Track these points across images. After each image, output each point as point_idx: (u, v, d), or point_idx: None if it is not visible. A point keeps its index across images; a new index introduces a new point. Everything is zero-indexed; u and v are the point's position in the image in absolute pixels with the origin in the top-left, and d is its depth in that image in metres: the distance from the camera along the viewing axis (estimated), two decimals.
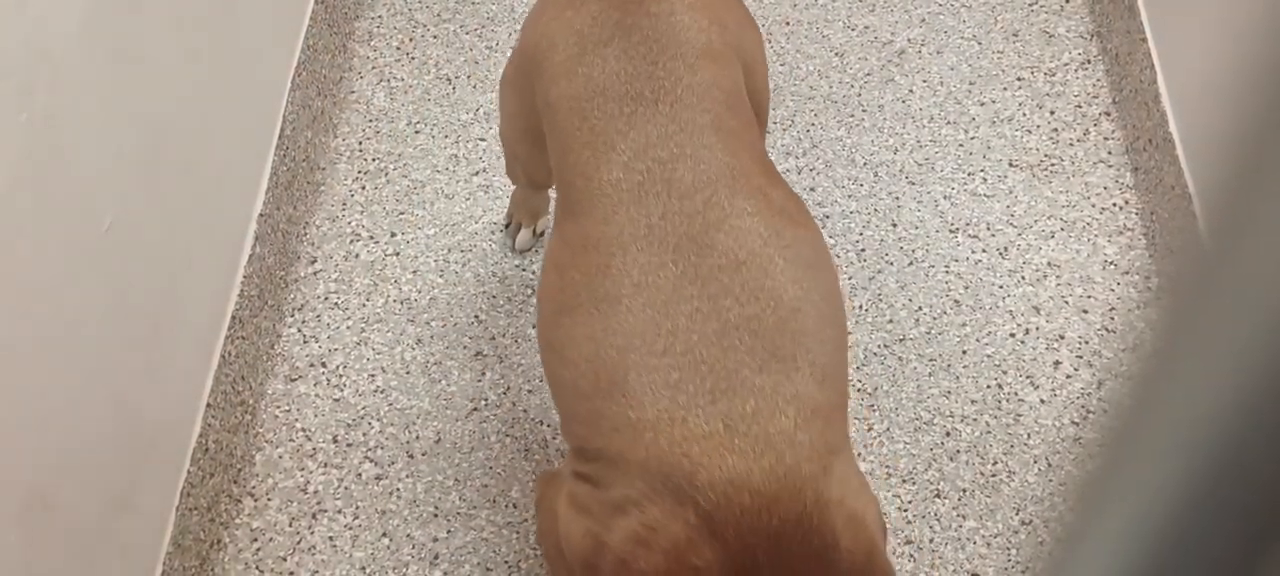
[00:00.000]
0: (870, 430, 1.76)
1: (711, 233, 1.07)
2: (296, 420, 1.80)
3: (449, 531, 1.69)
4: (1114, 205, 2.01)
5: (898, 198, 2.03)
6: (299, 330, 1.90)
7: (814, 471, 1.00)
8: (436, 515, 1.70)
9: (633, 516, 1.01)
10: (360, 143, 2.13)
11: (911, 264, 1.94)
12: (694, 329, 1.03)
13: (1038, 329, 1.86)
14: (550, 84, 1.21)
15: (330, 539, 1.69)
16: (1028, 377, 1.81)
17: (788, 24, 2.30)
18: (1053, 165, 2.07)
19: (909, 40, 2.26)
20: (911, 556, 1.65)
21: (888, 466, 1.73)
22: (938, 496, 1.70)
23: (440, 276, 1.95)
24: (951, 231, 1.98)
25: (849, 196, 2.03)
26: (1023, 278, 1.92)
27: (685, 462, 0.99)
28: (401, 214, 2.03)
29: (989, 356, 1.83)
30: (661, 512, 0.99)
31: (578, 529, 1.07)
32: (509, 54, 2.26)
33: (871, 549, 1.03)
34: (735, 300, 1.04)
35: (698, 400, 1.01)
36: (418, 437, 1.78)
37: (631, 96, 1.15)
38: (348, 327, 1.90)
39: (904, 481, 1.71)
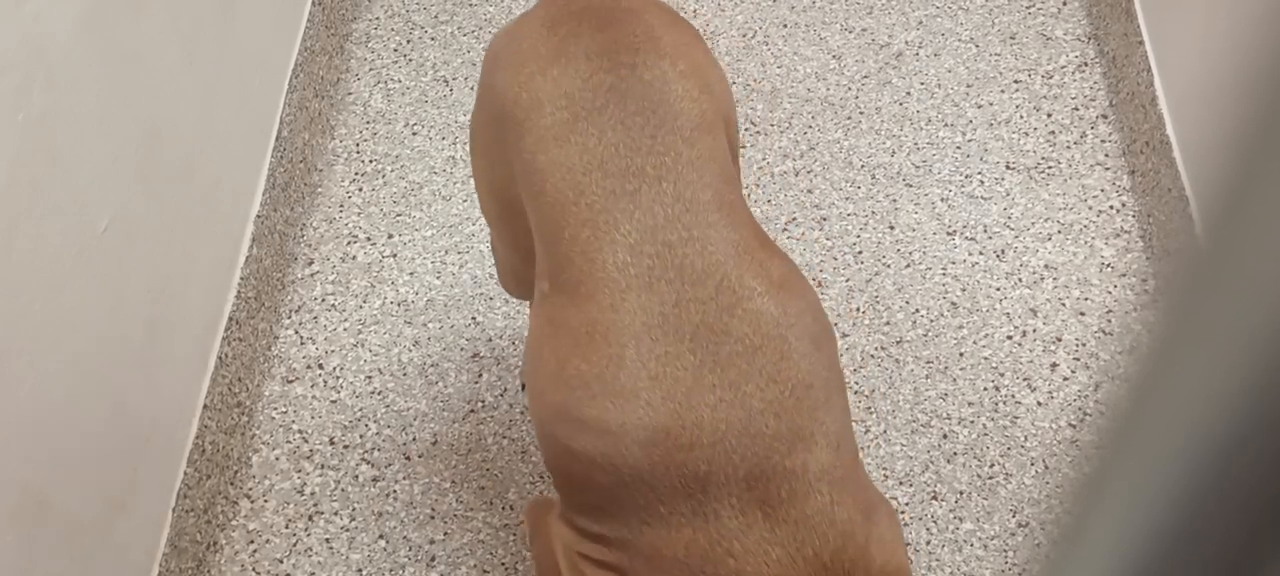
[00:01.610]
0: (867, 432, 1.76)
1: (726, 318, 1.06)
2: (293, 422, 1.80)
3: (446, 533, 1.69)
4: (1111, 207, 2.01)
5: (895, 200, 2.03)
6: (296, 332, 1.90)
7: (857, 547, 1.02)
8: (433, 517, 1.70)
9: None
10: (357, 144, 2.13)
11: (909, 266, 1.94)
12: (720, 418, 1.02)
13: (1035, 331, 1.86)
14: (536, 148, 1.15)
15: (327, 540, 1.69)
16: (1025, 380, 1.81)
17: (785, 26, 2.30)
18: (1050, 167, 2.07)
19: (906, 43, 2.26)
20: (909, 558, 1.65)
21: (885, 468, 1.73)
22: (935, 498, 1.70)
23: (437, 278, 1.95)
24: (949, 234, 1.98)
25: (846, 199, 2.03)
26: (1020, 280, 1.92)
27: (729, 561, 1.00)
28: (399, 216, 2.03)
29: (986, 358, 1.83)
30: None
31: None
32: None
33: None
34: (757, 385, 1.04)
35: (731, 491, 1.01)
36: (415, 439, 1.78)
37: (633, 172, 1.12)
38: (345, 329, 1.90)
39: (901, 483, 1.71)
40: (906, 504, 1.70)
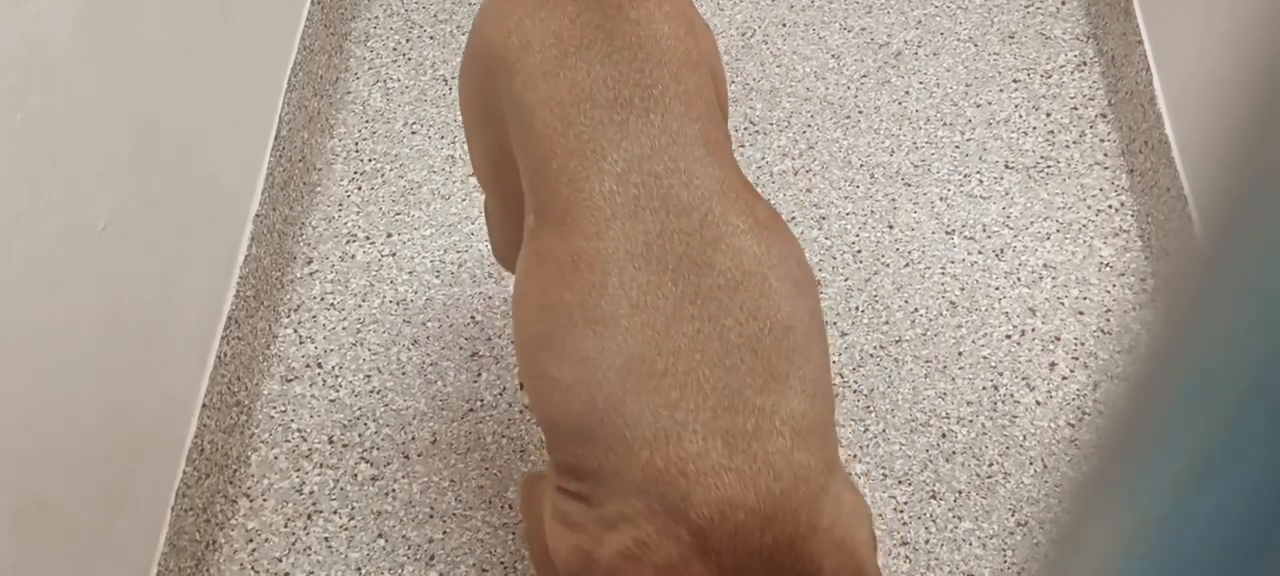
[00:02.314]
0: (866, 431, 1.76)
1: (708, 251, 1.06)
2: (292, 421, 1.80)
3: (445, 532, 1.69)
4: (1110, 207, 2.01)
5: (894, 199, 2.03)
6: (295, 331, 1.90)
7: (809, 493, 1.01)
8: (432, 516, 1.70)
9: (625, 532, 1.01)
10: (356, 143, 2.13)
11: (908, 265, 1.94)
12: (696, 349, 1.02)
13: (1034, 330, 1.86)
14: (525, 87, 1.17)
15: (326, 539, 1.69)
16: (1023, 379, 1.81)
17: (784, 25, 2.30)
18: (1049, 167, 2.07)
19: (905, 42, 2.26)
20: (907, 558, 1.65)
21: (883, 467, 1.73)
22: (933, 497, 1.70)
23: (436, 277, 1.95)
24: (948, 233, 1.99)
25: (845, 198, 2.03)
26: (1019, 279, 1.92)
27: (681, 481, 0.99)
28: (398, 215, 2.03)
29: (985, 358, 1.83)
30: (655, 530, 1.00)
31: (566, 545, 1.07)
32: None
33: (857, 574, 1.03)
34: (735, 320, 1.04)
35: (698, 419, 1.01)
36: (414, 438, 1.78)
37: (621, 103, 1.12)
38: (344, 328, 1.90)
39: (900, 482, 1.71)
40: (905, 503, 1.70)
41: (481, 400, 1.81)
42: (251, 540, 1.69)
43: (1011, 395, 1.80)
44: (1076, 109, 2.15)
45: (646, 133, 1.11)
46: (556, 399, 1.08)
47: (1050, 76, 2.20)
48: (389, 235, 2.00)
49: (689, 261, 1.06)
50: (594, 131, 1.11)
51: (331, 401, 1.82)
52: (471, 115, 1.31)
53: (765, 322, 1.05)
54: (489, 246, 1.98)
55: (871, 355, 1.84)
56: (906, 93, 2.18)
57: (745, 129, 2.14)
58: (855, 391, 1.80)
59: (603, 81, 1.14)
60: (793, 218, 2.00)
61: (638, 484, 1.01)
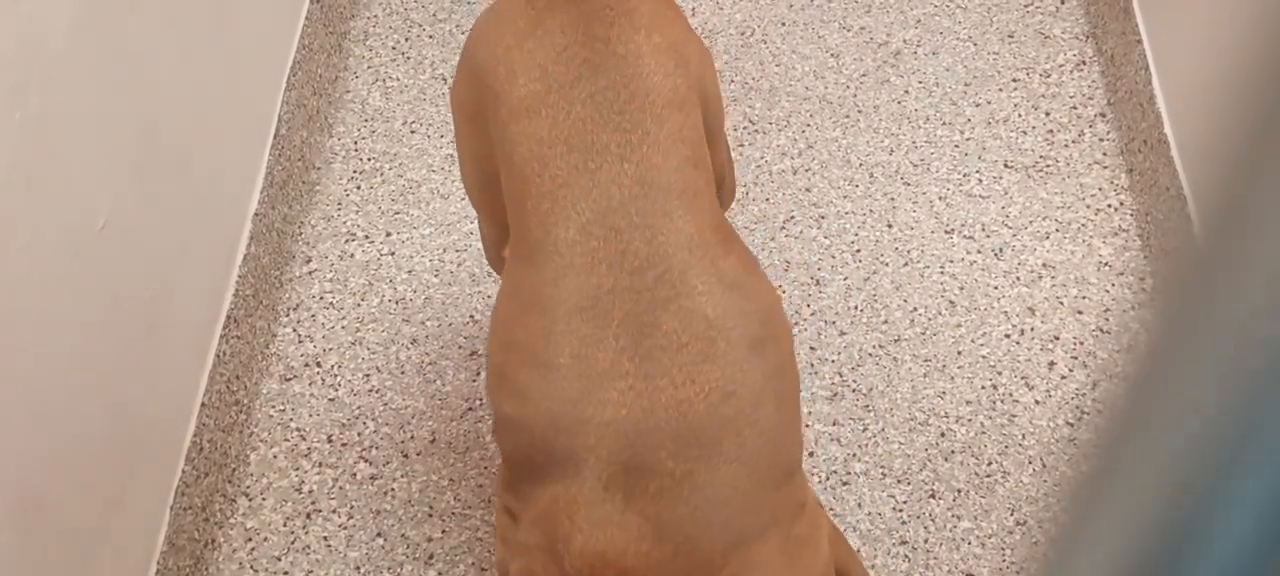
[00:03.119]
0: (865, 430, 1.77)
1: (657, 311, 1.07)
2: (291, 420, 1.80)
3: (444, 531, 1.69)
4: (1109, 206, 2.01)
5: (893, 198, 2.03)
6: (294, 330, 1.90)
7: (703, 562, 1.02)
8: (431, 515, 1.70)
9: (522, 561, 1.08)
10: (356, 142, 2.13)
11: (907, 264, 1.94)
12: (622, 405, 1.04)
13: (1033, 330, 1.86)
14: (510, 118, 1.17)
15: (325, 538, 1.69)
16: (1022, 378, 1.81)
17: (783, 24, 2.30)
18: (1048, 166, 2.07)
19: (904, 41, 2.26)
20: (906, 557, 1.65)
21: (882, 467, 1.73)
22: (932, 497, 1.70)
23: (435, 276, 1.95)
24: (947, 232, 1.99)
25: (844, 197, 2.03)
26: (1018, 278, 1.93)
27: (567, 524, 1.03)
28: (397, 213, 2.03)
29: (984, 357, 1.84)
30: (540, 566, 1.05)
31: (497, 553, 1.14)
32: None
33: None
34: (670, 381, 1.05)
35: (606, 472, 1.03)
36: (413, 437, 1.78)
37: (597, 149, 1.12)
38: (343, 327, 1.90)
39: (899, 482, 1.71)
40: (904, 502, 1.70)
41: (480, 399, 1.81)
42: (250, 539, 1.69)
43: (1010, 394, 1.80)
44: (1075, 108, 2.15)
45: (617, 183, 1.11)
46: (502, 427, 1.13)
47: (1049, 76, 2.20)
48: (388, 234, 2.00)
49: (634, 320, 1.06)
50: (568, 176, 1.12)
51: (330, 400, 1.82)
52: (462, 125, 1.32)
53: (702, 387, 1.05)
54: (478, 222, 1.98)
55: (870, 354, 1.84)
56: (906, 92, 2.18)
57: (744, 128, 2.14)
58: (854, 390, 1.80)
59: (581, 123, 1.13)
60: (792, 217, 2.00)
61: (538, 518, 1.06)
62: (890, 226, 2.00)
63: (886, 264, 1.95)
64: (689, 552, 1.02)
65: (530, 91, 1.16)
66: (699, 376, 1.05)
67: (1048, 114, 2.15)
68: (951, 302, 1.90)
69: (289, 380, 1.84)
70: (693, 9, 2.32)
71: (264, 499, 1.72)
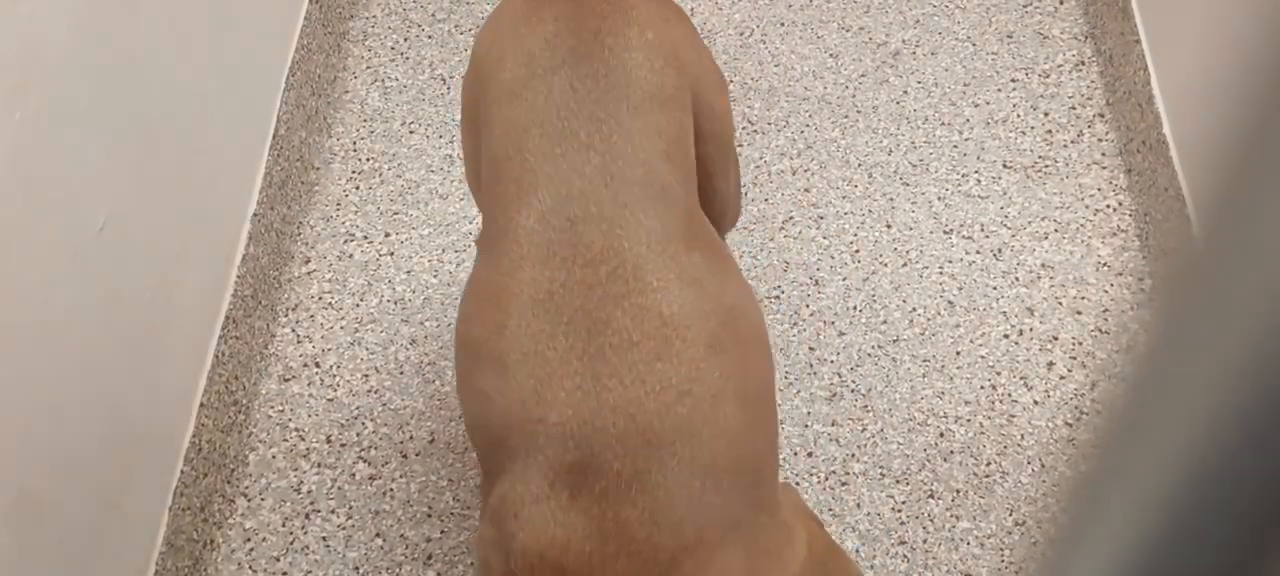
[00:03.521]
0: (864, 431, 1.77)
1: (609, 307, 1.04)
2: (290, 420, 1.80)
3: (443, 531, 1.69)
4: (1108, 207, 2.02)
5: (892, 199, 2.03)
6: (293, 330, 1.90)
7: (647, 566, 1.00)
8: (430, 515, 1.70)
9: (479, 552, 1.08)
10: (355, 142, 2.13)
11: (906, 265, 1.95)
12: (571, 405, 1.02)
13: (1031, 330, 1.86)
14: (492, 103, 1.17)
15: (324, 539, 1.69)
16: (1021, 378, 1.81)
17: (782, 25, 2.30)
18: (1047, 167, 2.07)
19: (903, 41, 2.26)
20: (905, 557, 1.65)
21: (881, 467, 1.73)
22: (931, 497, 1.70)
23: (434, 276, 1.95)
24: (945, 232, 1.99)
25: (843, 197, 2.03)
26: (1016, 279, 1.93)
27: (513, 522, 1.02)
28: (396, 214, 2.03)
29: (983, 357, 1.84)
30: (493, 559, 1.04)
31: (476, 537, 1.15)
32: None
33: None
34: (619, 382, 1.02)
35: (552, 471, 1.01)
36: (412, 438, 1.78)
37: (567, 136, 1.10)
38: (341, 328, 1.90)
39: (898, 482, 1.71)
40: (903, 502, 1.70)
41: None
42: (249, 539, 1.69)
43: (1009, 394, 1.80)
44: (1074, 108, 2.15)
45: (580, 172, 1.09)
46: (468, 424, 1.13)
47: (1048, 76, 2.20)
48: (387, 234, 2.00)
49: (585, 315, 1.04)
50: (536, 161, 1.10)
51: (329, 400, 1.82)
52: (464, 121, 1.32)
53: (653, 386, 1.02)
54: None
55: (869, 354, 1.84)
56: (904, 92, 2.18)
57: (743, 128, 2.14)
58: (853, 391, 1.80)
59: (556, 110, 1.12)
60: (790, 217, 2.00)
61: (492, 514, 1.05)
62: (889, 227, 2.00)
63: (885, 264, 1.95)
64: (634, 554, 1.00)
65: (514, 76, 1.15)
66: (650, 375, 1.03)
67: (1046, 114, 2.15)
68: (950, 303, 1.90)
69: (288, 380, 1.84)
70: (692, 9, 2.32)
71: (263, 499, 1.72)
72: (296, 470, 1.75)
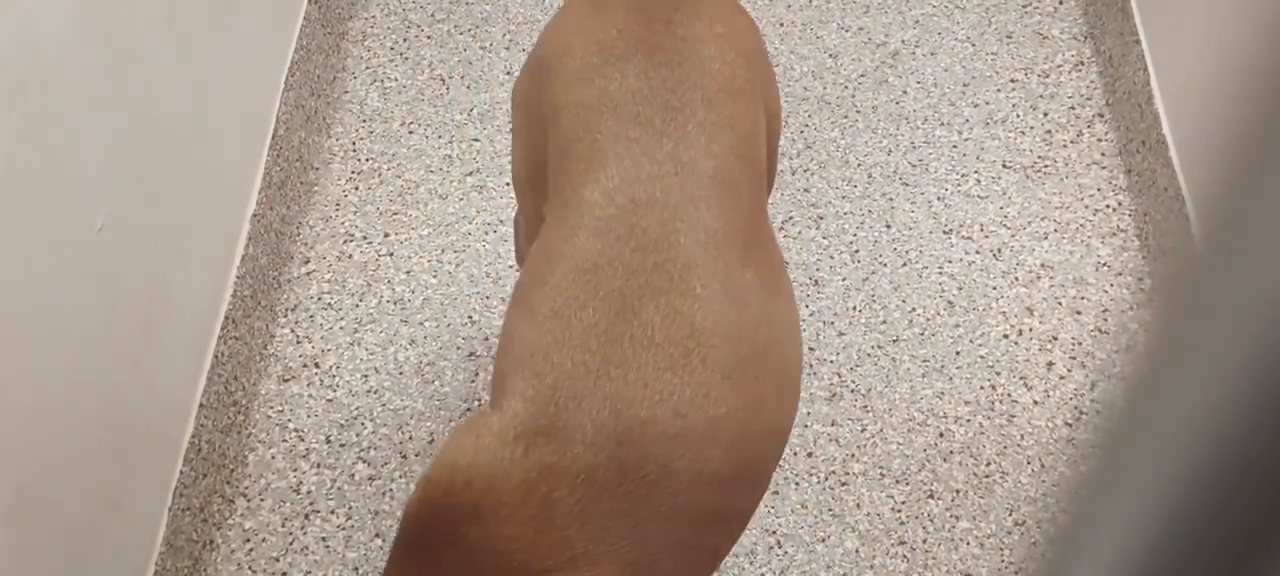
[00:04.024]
0: (864, 431, 1.77)
1: (644, 299, 1.01)
2: (289, 421, 1.80)
3: None
4: (1107, 207, 2.02)
5: (892, 199, 2.03)
6: (292, 330, 1.90)
7: (540, 547, 0.97)
8: None
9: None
10: (354, 143, 2.13)
11: (905, 265, 1.94)
12: (570, 375, 1.00)
13: (1031, 330, 1.86)
14: (561, 90, 1.16)
15: (323, 539, 1.68)
16: (1021, 378, 1.81)
17: (782, 25, 2.30)
18: (1046, 167, 2.07)
19: (903, 42, 2.26)
20: (904, 557, 1.65)
21: (881, 467, 1.73)
22: (931, 497, 1.70)
23: (434, 277, 1.95)
24: (945, 233, 1.99)
25: (843, 197, 2.03)
26: (1016, 279, 1.93)
27: (465, 437, 1.01)
28: (395, 214, 2.03)
29: (982, 357, 1.84)
30: (436, 472, 1.02)
31: None
32: (502, 55, 2.26)
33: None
34: (623, 375, 0.99)
35: (523, 425, 0.99)
36: (411, 438, 1.78)
37: (640, 120, 1.09)
38: (341, 328, 1.89)
39: (897, 482, 1.71)
40: (903, 502, 1.70)
41: (479, 400, 1.81)
42: (249, 540, 1.69)
43: (1009, 394, 1.80)
44: (1074, 109, 2.15)
45: (651, 155, 1.07)
46: (497, 349, 1.13)
47: (1048, 76, 2.20)
48: (386, 235, 2.00)
49: (619, 298, 1.02)
50: (607, 142, 1.09)
51: (329, 401, 1.82)
52: (518, 119, 1.31)
53: (652, 394, 0.99)
54: (486, 246, 1.98)
55: (869, 355, 1.84)
56: (904, 92, 2.18)
57: None
58: (852, 391, 1.80)
59: (631, 94, 1.11)
60: (790, 217, 2.00)
61: (458, 429, 1.04)
62: (889, 227, 2.00)
63: (885, 264, 1.95)
64: (540, 531, 0.96)
65: (585, 63, 1.15)
66: (655, 382, 0.99)
67: (1046, 114, 2.15)
68: (950, 303, 1.90)
69: (287, 381, 1.84)
70: None
71: (262, 499, 1.72)
72: (296, 470, 1.75)
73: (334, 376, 1.84)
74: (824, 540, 1.67)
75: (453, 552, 0.98)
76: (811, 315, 1.89)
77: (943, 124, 2.13)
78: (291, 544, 1.68)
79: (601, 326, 1.01)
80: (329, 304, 1.92)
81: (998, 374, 1.82)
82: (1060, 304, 1.90)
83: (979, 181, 2.05)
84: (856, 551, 1.66)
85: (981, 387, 1.80)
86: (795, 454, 1.74)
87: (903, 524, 1.68)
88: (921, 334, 1.86)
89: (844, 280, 1.93)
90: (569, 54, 1.17)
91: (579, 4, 1.23)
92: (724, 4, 1.20)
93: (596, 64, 1.14)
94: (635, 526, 0.98)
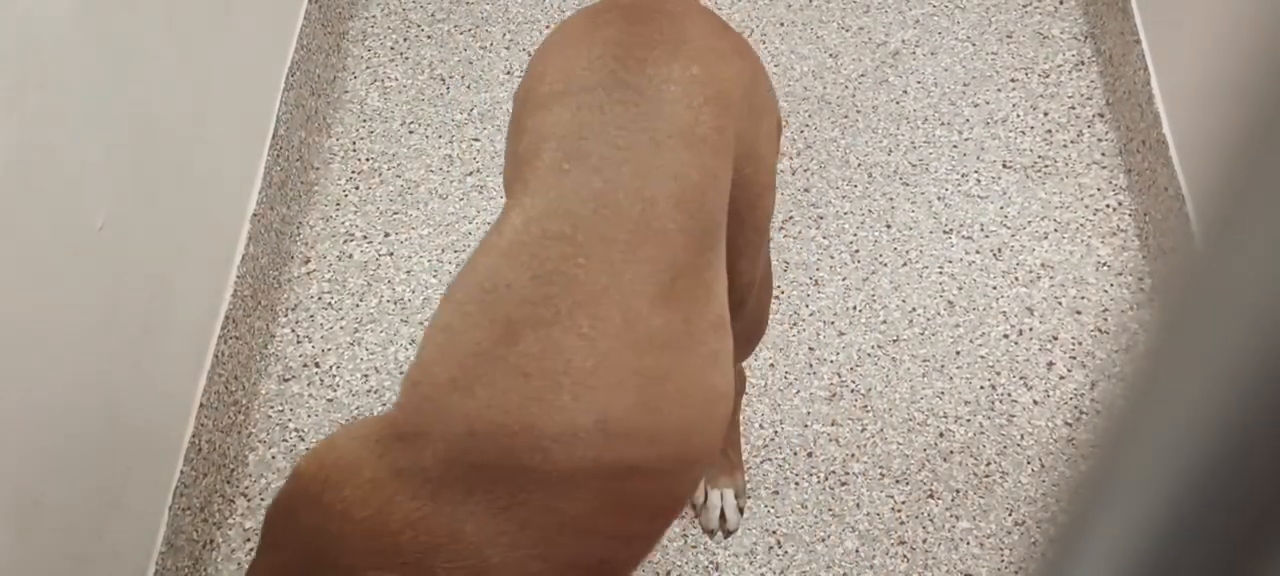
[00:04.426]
0: (864, 430, 1.77)
1: (529, 328, 1.00)
2: (289, 420, 1.80)
3: None
4: (1107, 206, 2.02)
5: (892, 199, 2.03)
6: (292, 330, 1.90)
7: (363, 546, 0.98)
8: None
9: None
10: (354, 142, 2.13)
11: (905, 265, 1.94)
12: (441, 391, 1.01)
13: (1031, 330, 1.86)
14: (526, 113, 1.16)
15: None
16: (1021, 378, 1.81)
17: (782, 25, 2.30)
18: (1046, 166, 2.07)
19: (903, 41, 2.26)
20: (904, 557, 1.65)
21: (881, 467, 1.73)
22: (931, 497, 1.70)
23: (434, 277, 1.95)
24: (945, 232, 1.99)
25: (843, 197, 2.03)
26: (1016, 279, 1.93)
27: (336, 435, 1.02)
28: (395, 214, 2.03)
29: (982, 357, 1.84)
30: (303, 464, 1.04)
31: None
32: (502, 55, 2.26)
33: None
34: (487, 398, 0.99)
35: (390, 430, 1.01)
36: None
37: (579, 155, 1.08)
38: (341, 328, 1.89)
39: (897, 482, 1.71)
40: (903, 502, 1.70)
41: None
42: (249, 539, 1.69)
43: (1009, 394, 1.80)
44: (1074, 108, 2.15)
45: (577, 192, 1.06)
46: None
47: (1048, 76, 2.20)
48: (386, 234, 2.00)
49: (506, 323, 1.02)
50: (543, 169, 1.09)
51: (329, 401, 1.82)
52: (511, 127, 1.31)
53: (510, 425, 0.98)
54: None
55: (869, 354, 1.84)
56: (904, 92, 2.18)
57: None
58: (853, 391, 1.80)
59: (579, 127, 1.10)
60: (790, 217, 2.00)
61: (342, 427, 1.07)
62: (889, 226, 2.00)
63: (885, 264, 1.95)
64: (372, 533, 0.96)
65: (551, 90, 1.15)
66: (516, 411, 0.98)
67: (1046, 114, 2.15)
68: (950, 303, 1.90)
69: (287, 380, 1.84)
70: None
71: (262, 499, 1.72)
72: None
73: (334, 376, 1.84)
74: (824, 540, 1.67)
75: (300, 542, 0.99)
76: (811, 315, 1.89)
77: (943, 123, 2.13)
78: None
79: (484, 347, 1.01)
80: (329, 304, 1.92)
81: (998, 373, 1.82)
82: (1060, 304, 1.90)
83: (979, 181, 2.05)
84: (856, 551, 1.66)
85: (981, 387, 1.80)
86: (795, 453, 1.74)
87: (903, 523, 1.68)
88: (922, 333, 1.86)
89: (844, 280, 1.93)
90: (541, 79, 1.17)
91: (570, 27, 1.22)
92: (709, 47, 1.17)
93: (559, 92, 1.13)
94: (477, 550, 0.96)
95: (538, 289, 1.02)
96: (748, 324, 1.40)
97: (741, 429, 1.75)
